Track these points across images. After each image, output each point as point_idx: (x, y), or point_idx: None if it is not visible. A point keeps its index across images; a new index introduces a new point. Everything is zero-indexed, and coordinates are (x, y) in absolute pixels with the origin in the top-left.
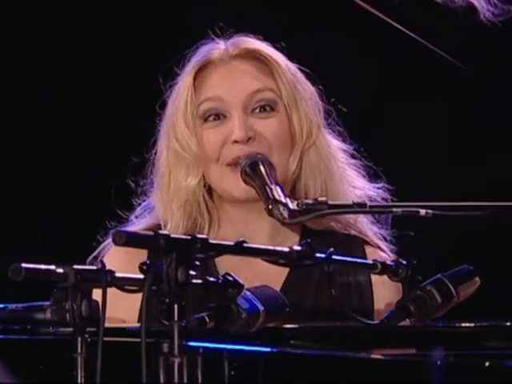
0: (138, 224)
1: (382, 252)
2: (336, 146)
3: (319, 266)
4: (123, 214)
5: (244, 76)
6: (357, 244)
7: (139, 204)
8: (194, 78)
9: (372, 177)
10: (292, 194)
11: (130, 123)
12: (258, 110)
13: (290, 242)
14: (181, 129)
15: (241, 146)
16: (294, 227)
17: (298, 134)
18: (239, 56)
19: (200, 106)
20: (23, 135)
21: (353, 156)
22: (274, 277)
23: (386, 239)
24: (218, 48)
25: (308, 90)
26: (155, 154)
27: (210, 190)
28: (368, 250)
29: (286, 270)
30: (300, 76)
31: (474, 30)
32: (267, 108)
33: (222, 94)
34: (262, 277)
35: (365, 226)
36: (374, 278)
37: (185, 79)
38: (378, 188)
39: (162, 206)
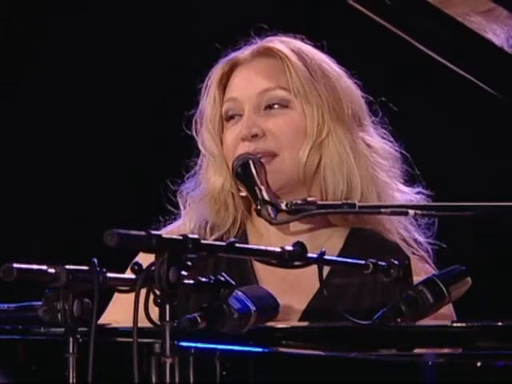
0: (178, 220)
1: (425, 263)
2: (371, 146)
3: (359, 269)
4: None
5: (257, 75)
6: (400, 252)
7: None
8: (223, 79)
9: (410, 181)
10: (312, 192)
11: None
12: (269, 108)
13: (333, 244)
14: (204, 133)
15: (248, 144)
16: (339, 230)
17: (309, 129)
18: (259, 54)
19: (222, 108)
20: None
21: (399, 158)
22: (311, 280)
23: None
24: (248, 48)
25: (334, 86)
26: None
27: None
28: (413, 259)
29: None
30: (328, 72)
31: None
32: (277, 106)
33: (236, 94)
34: (299, 278)
35: (399, 229)
36: None
37: (210, 81)
38: (419, 193)
39: (184, 204)
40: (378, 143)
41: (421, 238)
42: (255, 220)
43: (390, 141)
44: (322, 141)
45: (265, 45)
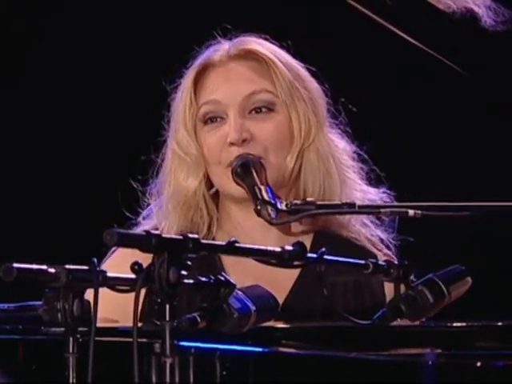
0: (144, 225)
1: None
2: (340, 147)
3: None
4: (130, 215)
5: (240, 78)
6: (367, 251)
7: (148, 205)
8: (196, 80)
9: (376, 181)
10: (291, 193)
11: (138, 121)
12: (254, 112)
13: None
14: (180, 133)
15: (237, 148)
16: (305, 232)
17: (297, 134)
18: (237, 57)
19: (200, 110)
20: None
21: (361, 159)
22: (284, 279)
23: (383, 241)
24: (219, 49)
25: (310, 88)
26: (163, 154)
27: (217, 192)
28: (380, 256)
29: (296, 273)
30: (303, 75)
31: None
32: (264, 109)
33: (219, 97)
34: (270, 279)
35: (361, 229)
36: None
37: (185, 82)
38: (384, 192)
39: (158, 206)
40: (343, 144)
41: (383, 235)
42: (223, 223)
43: (346, 141)
44: (308, 145)
45: (245, 47)
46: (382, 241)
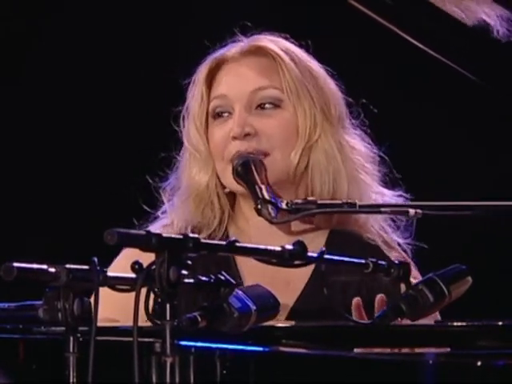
0: (162, 220)
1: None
2: (356, 149)
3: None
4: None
5: (248, 73)
6: (381, 252)
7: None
8: (210, 76)
9: (391, 183)
10: (299, 194)
11: (137, 120)
12: (261, 108)
13: (315, 245)
14: (191, 128)
15: (240, 142)
16: (318, 230)
17: (301, 131)
18: (248, 53)
19: (210, 104)
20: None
21: (379, 161)
22: (296, 278)
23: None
24: (235, 46)
25: (322, 87)
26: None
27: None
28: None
29: (308, 274)
30: (316, 74)
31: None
32: (270, 105)
33: (227, 91)
34: (283, 279)
35: (378, 231)
36: None
37: (198, 78)
38: (400, 196)
39: (170, 201)
40: (360, 145)
41: (399, 240)
42: (237, 219)
43: (368, 143)
44: (313, 142)
45: (256, 43)
46: (399, 245)
